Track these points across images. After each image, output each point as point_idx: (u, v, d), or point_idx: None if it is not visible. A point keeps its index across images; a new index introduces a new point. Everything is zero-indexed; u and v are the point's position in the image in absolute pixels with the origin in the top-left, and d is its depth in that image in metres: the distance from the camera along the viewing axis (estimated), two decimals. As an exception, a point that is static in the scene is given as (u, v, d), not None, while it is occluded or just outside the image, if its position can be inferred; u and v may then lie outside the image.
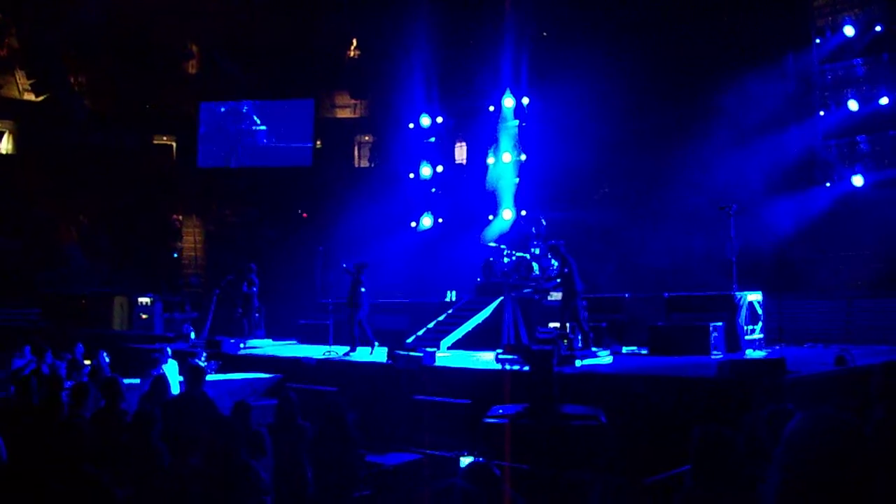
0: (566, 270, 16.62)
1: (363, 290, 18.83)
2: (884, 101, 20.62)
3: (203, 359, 18.35)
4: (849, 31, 21.01)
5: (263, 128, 33.10)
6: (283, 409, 9.30)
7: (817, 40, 21.68)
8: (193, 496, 5.96)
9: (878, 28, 20.68)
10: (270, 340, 22.18)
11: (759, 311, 17.19)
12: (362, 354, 18.24)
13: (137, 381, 13.72)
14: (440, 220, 27.96)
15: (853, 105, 20.93)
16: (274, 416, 9.46)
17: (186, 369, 10.66)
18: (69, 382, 12.47)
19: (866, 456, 2.27)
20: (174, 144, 34.95)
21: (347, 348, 18.63)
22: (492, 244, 22.31)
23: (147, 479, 6.58)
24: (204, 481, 5.89)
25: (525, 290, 19.94)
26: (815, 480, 2.23)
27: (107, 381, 9.58)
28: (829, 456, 2.24)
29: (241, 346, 20.47)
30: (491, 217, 26.03)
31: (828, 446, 2.26)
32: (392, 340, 18.49)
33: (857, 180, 20.65)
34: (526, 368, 13.15)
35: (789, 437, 2.33)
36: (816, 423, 2.33)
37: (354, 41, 33.72)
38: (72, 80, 33.11)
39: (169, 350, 16.32)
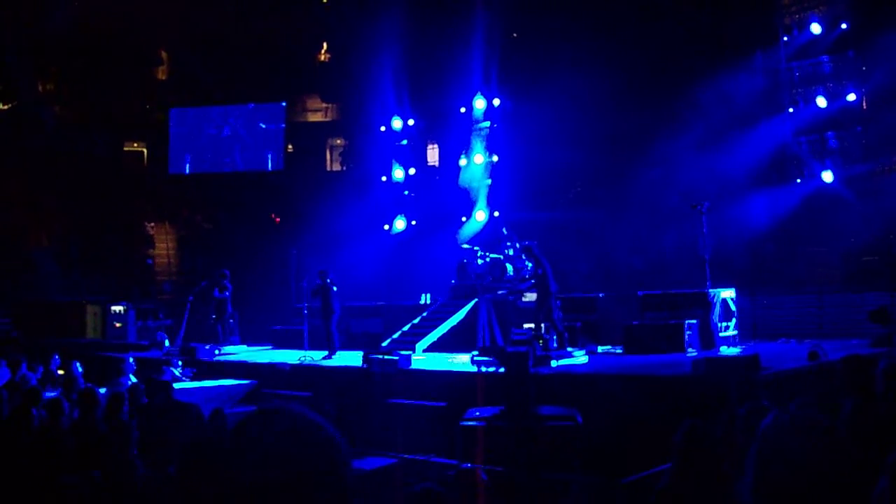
0: (540, 271, 16.67)
1: (335, 289, 18.89)
2: (851, 97, 20.85)
3: (179, 367, 18.27)
4: (815, 28, 21.21)
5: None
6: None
7: (785, 38, 21.88)
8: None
9: (843, 25, 20.90)
10: (245, 346, 22.10)
11: (733, 308, 17.30)
12: (336, 358, 18.26)
13: (104, 390, 13.59)
14: (413, 223, 27.91)
15: (821, 102, 21.12)
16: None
17: (150, 384, 10.66)
18: (45, 394, 12.37)
19: (839, 453, 2.29)
20: (145, 151, 34.73)
21: (325, 353, 18.65)
22: (465, 246, 22.31)
23: (124, 489, 6.54)
24: (180, 490, 5.85)
25: (499, 292, 19.96)
26: (789, 479, 2.25)
27: (83, 391, 9.52)
28: (801, 454, 2.26)
29: (216, 352, 20.38)
30: (464, 219, 26.03)
31: (800, 444, 2.28)
32: (367, 344, 18.51)
33: (827, 176, 20.82)
34: (501, 370, 13.17)
35: (762, 436, 2.35)
36: (789, 421, 2.35)
37: (325, 44, 33.64)
38: (40, 87, 32.84)
39: (131, 360, 16.20)
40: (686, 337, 15.85)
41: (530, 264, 17.99)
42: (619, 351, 17.05)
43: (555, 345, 16.15)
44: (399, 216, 28.04)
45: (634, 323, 17.19)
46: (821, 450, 2.27)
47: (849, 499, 2.27)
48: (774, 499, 2.26)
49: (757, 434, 2.39)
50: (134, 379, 14.28)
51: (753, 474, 2.33)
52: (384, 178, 28.69)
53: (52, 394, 11.79)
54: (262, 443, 1.76)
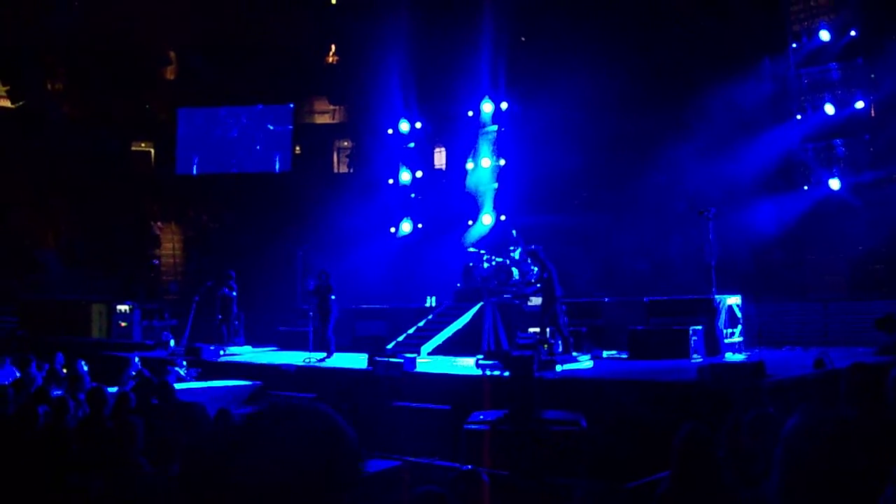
0: (545, 275, 16.63)
1: (333, 297, 18.90)
2: (859, 104, 20.82)
3: (184, 367, 18.30)
4: (824, 35, 21.18)
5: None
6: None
7: (794, 45, 21.85)
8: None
9: (852, 33, 20.87)
10: (250, 347, 22.10)
11: (739, 315, 17.27)
12: (340, 360, 18.27)
13: (115, 389, 13.60)
14: (419, 226, 27.93)
15: (829, 109, 21.09)
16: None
17: (157, 384, 10.63)
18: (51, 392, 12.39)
19: (865, 453, 2.30)
20: (152, 151, 34.79)
21: (323, 354, 18.69)
22: (471, 249, 22.31)
23: (129, 489, 6.53)
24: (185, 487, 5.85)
25: (505, 296, 19.94)
26: (817, 478, 2.26)
27: (92, 390, 9.52)
28: (829, 454, 2.27)
29: (221, 353, 20.37)
30: (470, 222, 26.03)
31: (828, 444, 2.29)
32: (372, 346, 18.49)
33: (834, 183, 20.79)
34: (506, 374, 13.16)
35: (788, 437, 2.36)
36: (816, 421, 2.36)
37: (333, 47, 33.68)
38: (48, 86, 32.93)
39: (137, 359, 16.23)
40: (691, 343, 15.80)
41: (535, 268, 17.99)
42: (624, 356, 17.00)
43: (560, 349, 16.14)
44: (405, 219, 28.06)
45: (640, 328, 17.14)
46: (846, 450, 2.28)
47: (872, 497, 2.28)
48: (803, 499, 2.27)
49: (781, 436, 2.39)
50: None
51: (780, 476, 2.34)
52: (391, 181, 28.72)
53: (58, 392, 11.82)
54: (275, 438, 1.74)
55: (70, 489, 4.97)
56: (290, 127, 32.71)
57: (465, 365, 16.07)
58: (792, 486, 2.31)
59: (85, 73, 32.56)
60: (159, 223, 34.47)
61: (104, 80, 31.99)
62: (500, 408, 11.99)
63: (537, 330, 17.12)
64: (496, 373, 14.11)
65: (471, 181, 26.54)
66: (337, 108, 34.18)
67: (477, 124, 26.31)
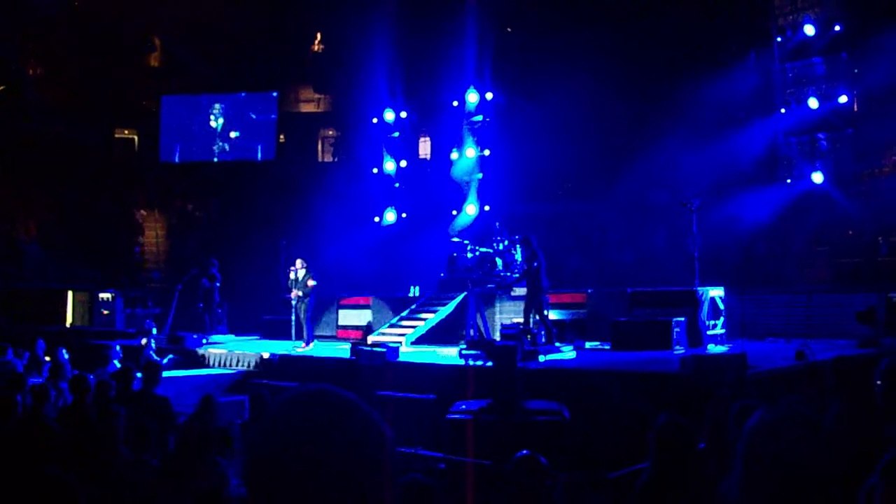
0: (535, 264, 16.61)
1: (314, 284, 18.92)
2: (843, 99, 20.92)
3: (152, 352, 18.24)
4: (809, 30, 21.27)
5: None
6: (256, 408, 9.27)
7: (778, 39, 21.93)
8: (155, 494, 5.90)
9: (836, 27, 20.96)
10: (233, 336, 22.05)
11: (721, 307, 17.31)
12: (323, 349, 18.26)
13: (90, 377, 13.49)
14: (404, 215, 27.92)
15: (813, 103, 21.18)
16: (248, 413, 9.42)
17: (145, 366, 10.58)
18: (31, 380, 12.30)
19: (826, 448, 2.30)
20: (136, 138, 34.56)
21: (301, 342, 18.73)
22: (455, 239, 22.32)
23: (110, 477, 6.50)
24: (167, 479, 5.84)
25: (489, 286, 19.96)
26: (778, 473, 2.26)
27: (75, 378, 9.47)
28: (790, 449, 2.27)
29: (204, 341, 20.32)
30: (455, 212, 26.02)
31: (788, 441, 2.28)
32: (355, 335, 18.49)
33: (817, 177, 20.88)
34: (489, 364, 13.17)
35: (751, 431, 2.36)
36: (777, 416, 2.36)
37: (318, 35, 33.56)
38: (30, 71, 32.67)
39: (118, 347, 16.18)
40: (674, 334, 15.84)
41: (519, 257, 17.99)
42: (606, 347, 17.03)
43: (543, 340, 16.15)
44: (389, 208, 28.04)
45: (622, 319, 17.17)
46: (809, 446, 2.28)
47: (837, 495, 2.27)
48: (763, 495, 2.27)
49: (744, 430, 2.40)
50: (119, 365, 14.24)
51: (741, 471, 2.34)
52: (375, 170, 28.67)
53: (38, 380, 11.75)
54: (308, 424, 1.73)
55: (48, 479, 4.91)
56: (275, 115, 32.57)
57: (449, 354, 16.08)
58: (753, 480, 2.31)
59: (67, 58, 32.30)
60: (143, 211, 34.29)
61: (87, 66, 31.75)
62: (483, 397, 12.00)
63: (520, 320, 17.14)
64: (479, 363, 14.12)
65: (455, 171, 26.51)
66: (322, 96, 34.07)
67: (462, 114, 26.26)
